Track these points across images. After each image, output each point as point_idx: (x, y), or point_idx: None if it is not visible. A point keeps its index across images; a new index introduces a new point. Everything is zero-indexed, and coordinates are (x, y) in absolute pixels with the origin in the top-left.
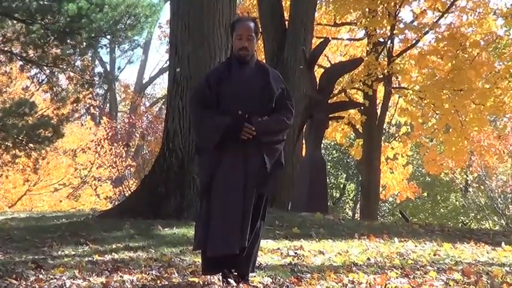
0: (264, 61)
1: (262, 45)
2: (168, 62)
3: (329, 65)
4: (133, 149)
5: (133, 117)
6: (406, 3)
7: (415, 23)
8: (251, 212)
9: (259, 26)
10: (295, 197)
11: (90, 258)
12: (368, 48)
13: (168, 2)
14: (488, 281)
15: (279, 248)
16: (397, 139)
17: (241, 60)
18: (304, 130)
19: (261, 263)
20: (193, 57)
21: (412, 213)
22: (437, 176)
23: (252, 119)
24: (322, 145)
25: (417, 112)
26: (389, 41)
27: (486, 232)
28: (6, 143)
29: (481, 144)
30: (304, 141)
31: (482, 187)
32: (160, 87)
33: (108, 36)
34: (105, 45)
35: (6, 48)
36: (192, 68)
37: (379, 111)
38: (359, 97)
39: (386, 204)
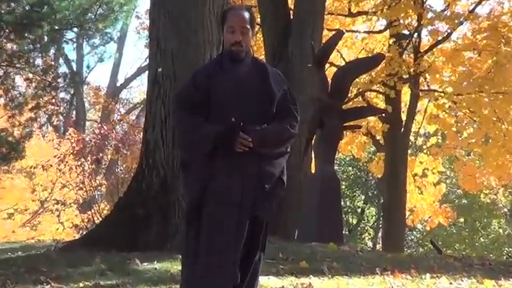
0: (264, 59)
1: (262, 39)
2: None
3: (343, 63)
4: (105, 166)
5: (105, 126)
6: None
7: (447, 12)
8: (244, 238)
9: (257, 16)
10: (302, 223)
11: None
12: (390, 43)
13: None
14: None
15: (283, 287)
16: (426, 152)
17: (234, 57)
18: (313, 141)
19: None
20: (178, 53)
21: (446, 243)
22: (476, 198)
23: (248, 128)
24: (335, 160)
25: (450, 119)
26: (415, 34)
27: None
28: None
29: None
30: (313, 155)
31: None
32: (138, 90)
33: (75, 29)
34: (71, 39)
35: None
36: (177, 67)
37: (404, 118)
38: (380, 101)
39: (414, 232)
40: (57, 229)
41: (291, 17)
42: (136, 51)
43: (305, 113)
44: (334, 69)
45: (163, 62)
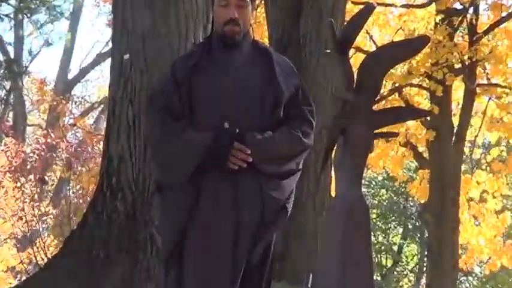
0: (267, 43)
1: (264, 16)
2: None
3: (374, 49)
4: (52, 187)
5: (52, 134)
6: None
7: None
8: (238, 283)
9: None
10: (319, 264)
11: None
12: (436, 21)
13: None
14: None
15: None
16: (485, 169)
17: (228, 40)
18: (333, 155)
19: None
20: (151, 35)
21: None
22: None
23: (247, 136)
24: (363, 180)
25: None
26: (471, 9)
27: None
28: None
29: None
30: (333, 173)
31: None
32: (97, 84)
33: (12, 1)
34: (7, 15)
35: None
36: (150, 54)
37: (455, 123)
38: (423, 100)
39: (470, 277)
40: None
41: None
42: (95, 32)
43: (323, 117)
44: (362, 56)
45: (132, 46)
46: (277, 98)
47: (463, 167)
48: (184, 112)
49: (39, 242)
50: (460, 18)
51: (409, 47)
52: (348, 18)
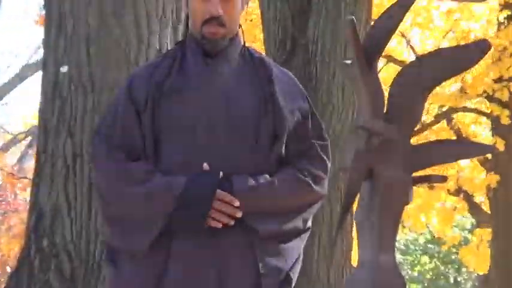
0: (263, 51)
1: (259, 15)
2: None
3: (412, 58)
4: None
5: None
6: None
7: None
8: None
9: None
10: None
11: None
12: (500, 20)
13: None
14: None
15: None
16: None
17: (208, 47)
18: (354, 207)
19: None
20: (99, 40)
21: None
22: None
23: (234, 182)
24: (396, 242)
25: None
26: None
27: None
28: None
29: None
30: (355, 233)
31: None
32: (22, 107)
33: None
34: None
35: None
36: (97, 66)
37: None
38: (481, 130)
39: None
40: None
41: None
42: (20, 35)
43: (341, 154)
44: (396, 69)
45: (72, 54)
46: (278, 128)
47: None
48: (146, 150)
49: None
50: None
51: (462, 55)
52: (375, 15)
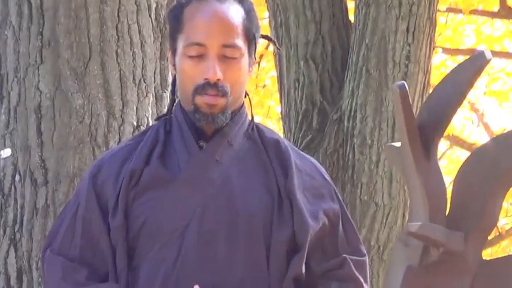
0: (280, 132)
1: (276, 82)
2: None
3: (486, 140)
4: None
5: None
6: None
7: None
8: None
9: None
10: None
11: None
12: None
13: None
14: None
15: None
16: None
17: (204, 124)
18: None
19: None
20: (53, 113)
21: None
22: None
23: None
24: None
25: None
26: None
27: None
28: None
29: None
30: None
31: None
32: None
33: None
34: None
35: None
36: (51, 149)
37: None
38: None
39: None
40: None
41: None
42: None
43: (387, 273)
44: (464, 154)
45: (16, 133)
46: (296, 238)
47: None
48: (118, 266)
49: None
50: None
51: None
52: (435, 80)
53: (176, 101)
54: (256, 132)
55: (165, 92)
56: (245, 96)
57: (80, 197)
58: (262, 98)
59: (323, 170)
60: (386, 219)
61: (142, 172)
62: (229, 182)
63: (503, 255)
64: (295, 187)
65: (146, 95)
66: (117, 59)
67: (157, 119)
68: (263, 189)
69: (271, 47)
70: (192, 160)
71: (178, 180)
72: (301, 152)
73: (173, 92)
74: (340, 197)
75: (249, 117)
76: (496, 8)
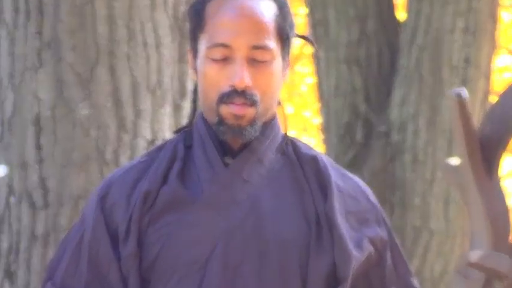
0: (320, 147)
1: (316, 88)
2: None
3: None
4: None
5: None
6: None
7: None
8: None
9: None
10: None
11: None
12: None
13: None
14: None
15: None
16: None
17: (230, 137)
18: None
19: None
20: (55, 126)
21: None
22: None
23: None
24: None
25: None
26: None
27: None
28: None
29: None
30: None
31: None
32: None
33: None
34: None
35: None
36: (52, 166)
37: None
38: None
39: None
40: None
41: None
42: None
43: None
44: None
45: (13, 149)
46: (338, 271)
47: None
48: None
49: None
50: None
51: None
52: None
53: (198, 112)
54: (290, 148)
55: (184, 101)
56: (278, 106)
57: (86, 222)
58: (298, 107)
59: (369, 191)
60: (442, 248)
61: (158, 193)
62: (259, 205)
63: None
64: (336, 211)
65: (162, 105)
66: (128, 63)
67: (176, 132)
68: (298, 213)
69: (308, 48)
70: (216, 179)
71: (200, 202)
72: (343, 170)
73: (194, 101)
74: (388, 222)
75: (282, 130)
76: None
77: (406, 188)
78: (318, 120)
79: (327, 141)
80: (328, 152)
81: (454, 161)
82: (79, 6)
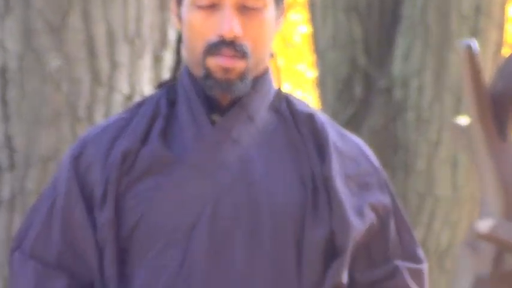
0: (314, 104)
1: (310, 39)
2: None
3: None
4: None
5: None
6: None
7: None
8: None
9: None
10: None
11: None
12: None
13: None
14: None
15: None
16: None
17: (218, 92)
18: None
19: None
20: (21, 78)
21: None
22: None
23: None
24: None
25: None
26: None
27: None
28: None
29: None
30: None
31: None
32: None
33: None
34: None
35: None
36: (20, 123)
37: None
38: None
39: None
40: None
41: None
42: None
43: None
44: None
45: None
46: (336, 240)
47: None
48: (105, 274)
49: None
50: None
51: None
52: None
53: (182, 64)
54: (284, 104)
55: (165, 52)
56: (271, 58)
57: (58, 186)
58: (290, 60)
59: (370, 152)
60: (449, 216)
61: (138, 153)
62: (250, 168)
63: None
64: (335, 174)
65: (141, 56)
66: (104, 9)
67: (159, 87)
68: (293, 177)
69: None
70: (203, 138)
71: (185, 164)
72: (343, 130)
73: (178, 52)
74: (391, 187)
75: (276, 85)
76: None
77: (409, 149)
78: (312, 74)
79: (322, 98)
80: (324, 110)
81: (463, 120)
82: None
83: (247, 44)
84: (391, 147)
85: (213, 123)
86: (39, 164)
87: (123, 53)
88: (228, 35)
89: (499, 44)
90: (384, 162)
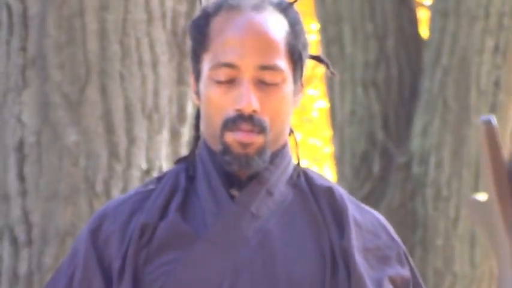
0: (333, 178)
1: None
2: None
3: None
4: None
5: None
6: None
7: None
8: None
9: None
10: None
11: None
12: None
13: None
14: None
15: None
16: None
17: (236, 168)
18: None
19: None
20: (39, 151)
21: None
22: None
23: None
24: None
25: None
26: None
27: None
28: None
29: None
30: None
31: None
32: None
33: None
34: None
35: None
36: (36, 198)
37: None
38: None
39: None
40: None
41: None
42: None
43: None
44: None
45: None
46: None
47: None
48: None
49: None
50: None
51: None
52: None
53: (200, 140)
54: (303, 179)
55: (183, 127)
56: (289, 134)
57: (76, 260)
58: (306, 134)
59: (389, 226)
60: None
61: (156, 227)
62: (269, 242)
63: None
64: (354, 247)
65: (159, 131)
66: (121, 83)
67: (178, 162)
68: (312, 250)
69: (320, 69)
70: (222, 213)
71: (204, 239)
72: (361, 204)
73: (196, 127)
74: (411, 261)
75: (294, 160)
76: None
77: (428, 226)
78: (329, 149)
79: (339, 173)
80: (341, 185)
81: (481, 197)
82: (67, 19)
83: (266, 119)
84: (410, 225)
85: (232, 198)
86: (56, 239)
87: (140, 128)
88: (246, 109)
89: None
90: (402, 239)
